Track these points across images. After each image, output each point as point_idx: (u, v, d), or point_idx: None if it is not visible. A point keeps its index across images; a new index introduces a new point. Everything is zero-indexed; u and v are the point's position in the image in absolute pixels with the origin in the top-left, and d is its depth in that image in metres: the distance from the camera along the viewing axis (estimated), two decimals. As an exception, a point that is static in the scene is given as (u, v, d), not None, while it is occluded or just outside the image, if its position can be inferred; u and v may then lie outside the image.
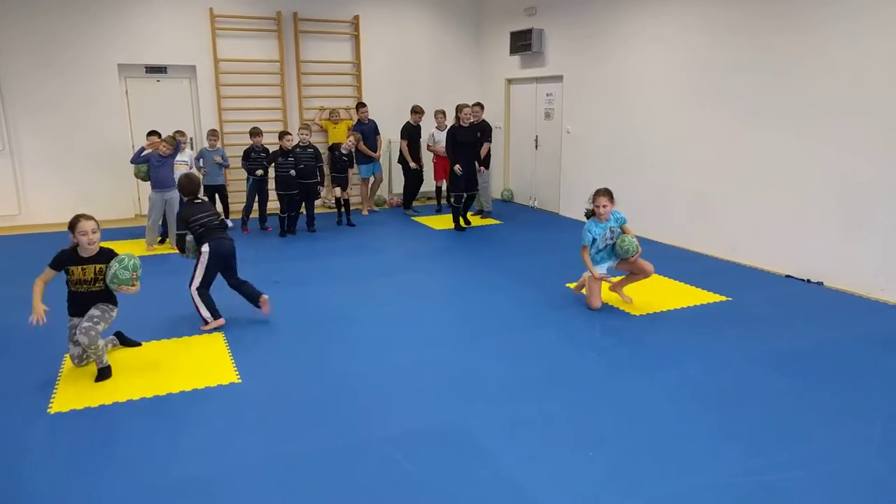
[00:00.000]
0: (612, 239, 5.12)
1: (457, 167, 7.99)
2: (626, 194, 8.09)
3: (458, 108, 8.06)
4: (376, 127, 9.43)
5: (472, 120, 8.12)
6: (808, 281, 5.88)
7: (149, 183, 7.26)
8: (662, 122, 7.45)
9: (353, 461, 3.02)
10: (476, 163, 8.29)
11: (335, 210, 8.95)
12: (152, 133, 7.40)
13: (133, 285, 3.98)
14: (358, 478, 2.89)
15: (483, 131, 8.38)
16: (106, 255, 4.03)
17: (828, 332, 4.67)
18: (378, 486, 2.82)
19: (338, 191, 8.63)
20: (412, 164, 9.29)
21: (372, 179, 9.67)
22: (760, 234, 6.39)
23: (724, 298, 5.42)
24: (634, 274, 5.29)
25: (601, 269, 5.18)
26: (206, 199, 5.57)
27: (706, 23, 6.75)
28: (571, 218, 9.15)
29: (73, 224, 3.92)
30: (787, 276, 6.05)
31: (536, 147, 9.90)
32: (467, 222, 8.53)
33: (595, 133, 8.56)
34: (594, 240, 5.09)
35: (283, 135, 7.85)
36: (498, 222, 8.89)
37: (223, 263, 4.90)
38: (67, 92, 8.53)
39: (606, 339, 4.56)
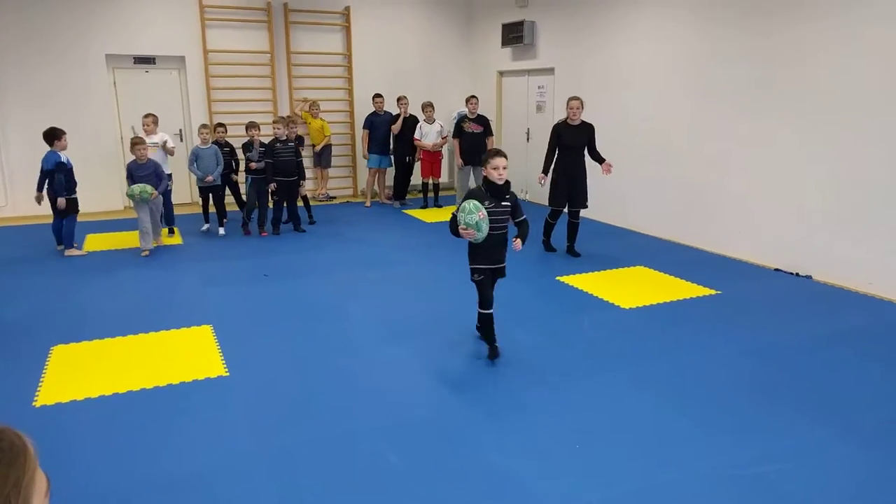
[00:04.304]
0: None
1: (540, 176, 6.50)
2: (616, 186, 8.10)
3: (566, 103, 6.44)
4: (391, 118, 9.31)
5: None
6: (798, 275, 5.90)
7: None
8: (654, 114, 7.44)
9: (340, 453, 3.01)
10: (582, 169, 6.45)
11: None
12: (139, 142, 6.64)
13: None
14: (345, 469, 2.88)
15: (590, 132, 6.46)
16: None
17: (816, 325, 4.69)
18: (365, 478, 2.81)
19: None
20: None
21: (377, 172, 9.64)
22: (750, 228, 6.40)
23: (713, 292, 5.43)
24: None
25: None
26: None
27: (699, 15, 6.73)
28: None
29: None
30: (777, 270, 6.07)
31: (528, 140, 9.88)
32: (577, 254, 6.62)
33: (586, 126, 8.53)
34: None
35: (278, 122, 7.55)
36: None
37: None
38: (55, 83, 8.43)
39: (595, 333, 4.56)
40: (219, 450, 3.05)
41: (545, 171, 6.50)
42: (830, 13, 5.45)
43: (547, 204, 6.73)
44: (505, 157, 3.98)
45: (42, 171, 6.48)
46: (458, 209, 3.88)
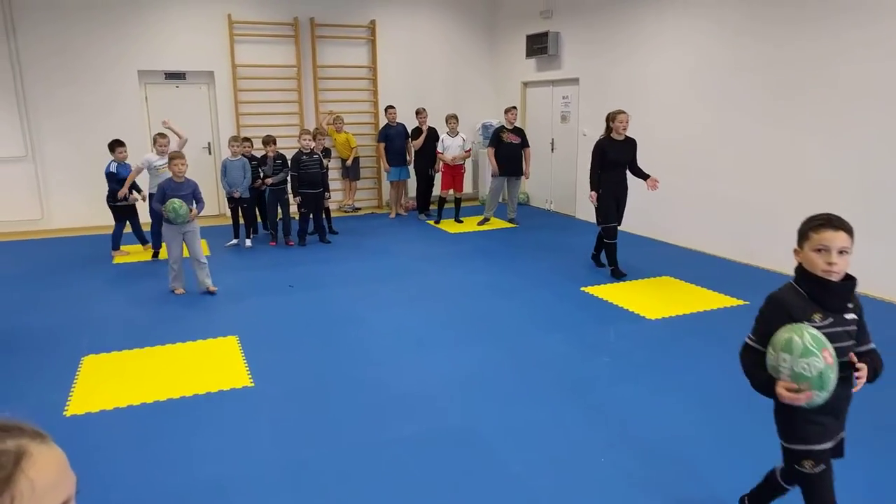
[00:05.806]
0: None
1: (591, 195, 6.15)
2: (640, 197, 8.04)
3: (611, 117, 6.05)
4: (405, 130, 9.32)
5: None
6: (829, 285, 5.76)
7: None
8: (678, 124, 7.38)
9: (364, 464, 3.02)
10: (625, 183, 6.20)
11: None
12: (177, 155, 5.72)
13: None
14: (368, 480, 2.88)
15: (634, 147, 6.20)
16: None
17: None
18: (388, 489, 2.81)
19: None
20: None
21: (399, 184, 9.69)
22: (778, 237, 6.28)
23: (741, 302, 5.35)
24: None
25: None
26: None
27: (722, 25, 6.67)
28: (587, 221, 9.08)
29: None
30: (807, 280, 5.93)
31: (552, 150, 9.86)
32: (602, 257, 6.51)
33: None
34: None
35: (304, 134, 7.69)
36: (514, 225, 8.86)
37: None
38: (88, 98, 8.67)
39: (620, 344, 4.52)
40: (243, 460, 3.08)
41: (594, 189, 6.12)
42: (852, 27, 5.35)
43: (597, 223, 6.35)
44: (847, 230, 2.09)
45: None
46: (753, 336, 2.23)
